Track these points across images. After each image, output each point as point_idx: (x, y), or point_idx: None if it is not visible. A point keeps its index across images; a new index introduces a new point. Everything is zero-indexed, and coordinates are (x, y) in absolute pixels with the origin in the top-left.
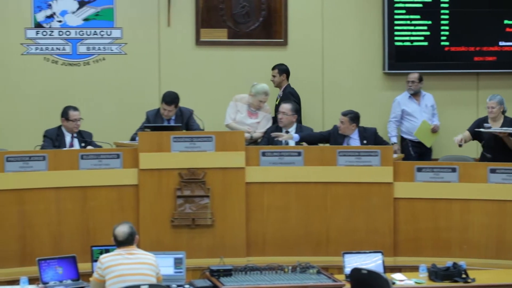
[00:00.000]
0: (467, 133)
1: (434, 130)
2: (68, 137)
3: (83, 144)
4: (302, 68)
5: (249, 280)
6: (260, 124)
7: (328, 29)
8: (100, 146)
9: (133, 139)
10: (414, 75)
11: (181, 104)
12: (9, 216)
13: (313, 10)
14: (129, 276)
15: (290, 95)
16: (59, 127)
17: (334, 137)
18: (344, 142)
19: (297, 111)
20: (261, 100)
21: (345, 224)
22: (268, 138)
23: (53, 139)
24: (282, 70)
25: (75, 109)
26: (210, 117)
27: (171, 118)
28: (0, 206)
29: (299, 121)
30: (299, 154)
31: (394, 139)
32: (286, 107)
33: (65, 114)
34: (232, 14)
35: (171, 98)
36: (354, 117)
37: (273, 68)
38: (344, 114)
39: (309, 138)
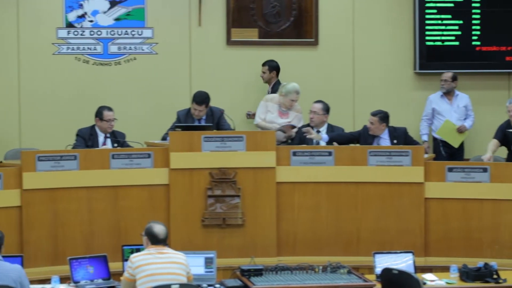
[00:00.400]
0: (494, 143)
1: (460, 131)
2: (101, 137)
3: (115, 145)
4: (332, 68)
5: (280, 280)
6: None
7: (359, 29)
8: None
9: (164, 138)
10: (447, 74)
11: (212, 103)
12: (41, 216)
13: (344, 9)
14: (160, 276)
15: None
16: (93, 127)
17: (364, 137)
18: (374, 142)
19: (328, 110)
20: (293, 99)
21: (375, 224)
22: (300, 138)
23: (86, 138)
24: (272, 67)
25: (110, 109)
26: (241, 116)
27: (202, 118)
28: (32, 205)
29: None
30: (330, 154)
31: (425, 137)
32: (317, 106)
33: (99, 114)
34: (263, 13)
35: (201, 98)
36: (383, 116)
37: (263, 65)
38: (374, 114)
39: (338, 138)
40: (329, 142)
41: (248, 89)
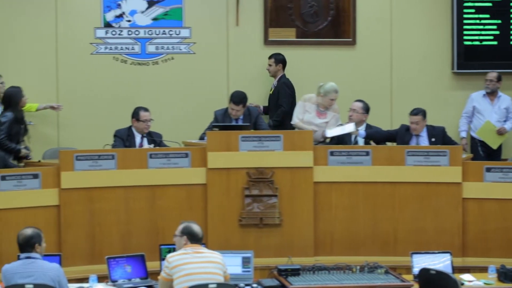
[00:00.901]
0: None
1: (500, 132)
2: (138, 138)
3: (152, 145)
4: (370, 68)
5: (317, 280)
6: (329, 124)
7: (397, 28)
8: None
9: (201, 138)
10: (492, 74)
11: (249, 103)
12: (79, 215)
13: (382, 9)
14: (197, 275)
15: (284, 86)
16: (129, 128)
17: (401, 136)
18: (412, 140)
19: (368, 110)
20: (332, 99)
21: (413, 224)
22: (338, 138)
23: (124, 139)
24: (279, 60)
25: (146, 109)
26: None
27: (239, 118)
28: (70, 205)
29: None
30: (367, 153)
31: (464, 134)
32: (357, 105)
33: (136, 115)
34: (301, 13)
35: (239, 98)
36: (425, 113)
37: (270, 58)
38: (416, 113)
39: (376, 135)
40: (366, 138)
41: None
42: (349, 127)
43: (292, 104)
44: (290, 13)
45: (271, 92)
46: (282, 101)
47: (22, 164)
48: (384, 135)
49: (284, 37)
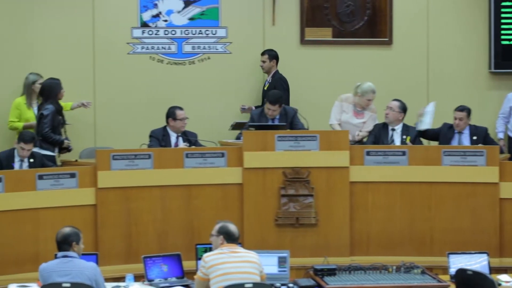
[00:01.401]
0: None
1: None
2: (173, 137)
3: (187, 144)
4: (406, 67)
5: (353, 280)
6: (366, 124)
7: (433, 28)
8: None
9: (238, 138)
10: None
11: (286, 103)
12: (115, 214)
13: (418, 8)
14: (233, 275)
15: (281, 81)
16: (164, 128)
17: (444, 133)
18: (454, 137)
19: (405, 110)
20: (370, 99)
21: (449, 224)
22: (374, 136)
23: (160, 139)
24: (272, 56)
25: (181, 108)
26: (314, 116)
27: (276, 117)
28: (106, 204)
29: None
30: (403, 153)
31: (501, 135)
32: (394, 103)
33: (172, 114)
34: (337, 13)
35: (275, 98)
36: (470, 111)
37: (263, 54)
38: (461, 109)
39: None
40: (418, 134)
41: (321, 89)
42: (430, 107)
43: (288, 100)
44: (326, 13)
45: (265, 88)
46: None
47: (59, 164)
48: (431, 134)
49: (320, 36)
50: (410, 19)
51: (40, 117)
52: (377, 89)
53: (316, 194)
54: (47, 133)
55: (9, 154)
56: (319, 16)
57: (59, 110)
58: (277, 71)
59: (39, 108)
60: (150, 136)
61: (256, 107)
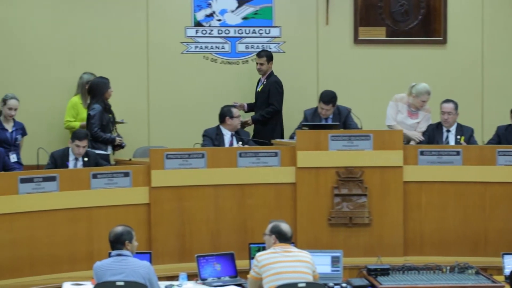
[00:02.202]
0: None
1: None
2: (227, 136)
3: (240, 143)
4: (461, 66)
5: (407, 280)
6: (420, 124)
7: (488, 26)
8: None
9: (292, 137)
10: None
11: (339, 102)
12: (168, 213)
13: (473, 7)
14: (286, 274)
15: (276, 85)
16: (218, 127)
17: (505, 136)
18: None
19: (458, 108)
20: (424, 100)
21: (504, 224)
22: (428, 137)
23: (213, 138)
24: (270, 57)
25: (235, 106)
26: (367, 115)
27: (329, 117)
28: (160, 203)
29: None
30: (457, 153)
31: None
32: (450, 106)
33: (229, 112)
34: (391, 12)
35: (328, 97)
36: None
37: (260, 56)
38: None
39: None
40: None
41: (375, 88)
42: None
43: (281, 102)
44: (380, 12)
45: (259, 89)
46: (274, 99)
47: (113, 162)
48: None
49: (374, 36)
50: (465, 17)
51: (88, 118)
52: (431, 89)
53: (370, 193)
54: (96, 133)
55: (63, 153)
56: (373, 15)
57: (107, 109)
58: (272, 72)
59: (87, 108)
60: (204, 135)
61: (248, 104)
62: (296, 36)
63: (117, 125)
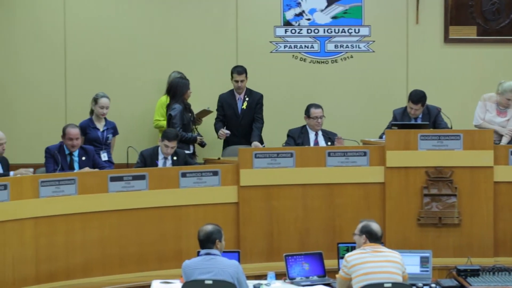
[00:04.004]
0: None
1: None
2: (312, 135)
3: (329, 143)
4: None
5: (497, 281)
6: (510, 122)
7: None
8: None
9: (381, 137)
10: None
11: (429, 102)
12: (257, 212)
13: None
14: (375, 274)
15: (262, 98)
16: (304, 126)
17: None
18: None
19: None
20: (508, 98)
21: None
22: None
23: (295, 137)
24: (246, 73)
25: (317, 106)
26: (457, 115)
27: (418, 117)
28: (248, 202)
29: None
30: None
31: None
32: None
33: (307, 112)
34: (482, 11)
35: (418, 97)
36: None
37: (241, 73)
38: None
39: None
40: None
41: (465, 88)
42: None
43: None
44: (471, 11)
45: (244, 107)
46: (261, 114)
47: (202, 161)
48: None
49: (464, 35)
50: None
51: (169, 118)
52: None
53: (459, 193)
54: (179, 132)
55: (153, 152)
56: (464, 14)
57: (187, 108)
58: (247, 88)
59: (167, 108)
60: (288, 135)
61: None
62: (386, 35)
63: (206, 117)
